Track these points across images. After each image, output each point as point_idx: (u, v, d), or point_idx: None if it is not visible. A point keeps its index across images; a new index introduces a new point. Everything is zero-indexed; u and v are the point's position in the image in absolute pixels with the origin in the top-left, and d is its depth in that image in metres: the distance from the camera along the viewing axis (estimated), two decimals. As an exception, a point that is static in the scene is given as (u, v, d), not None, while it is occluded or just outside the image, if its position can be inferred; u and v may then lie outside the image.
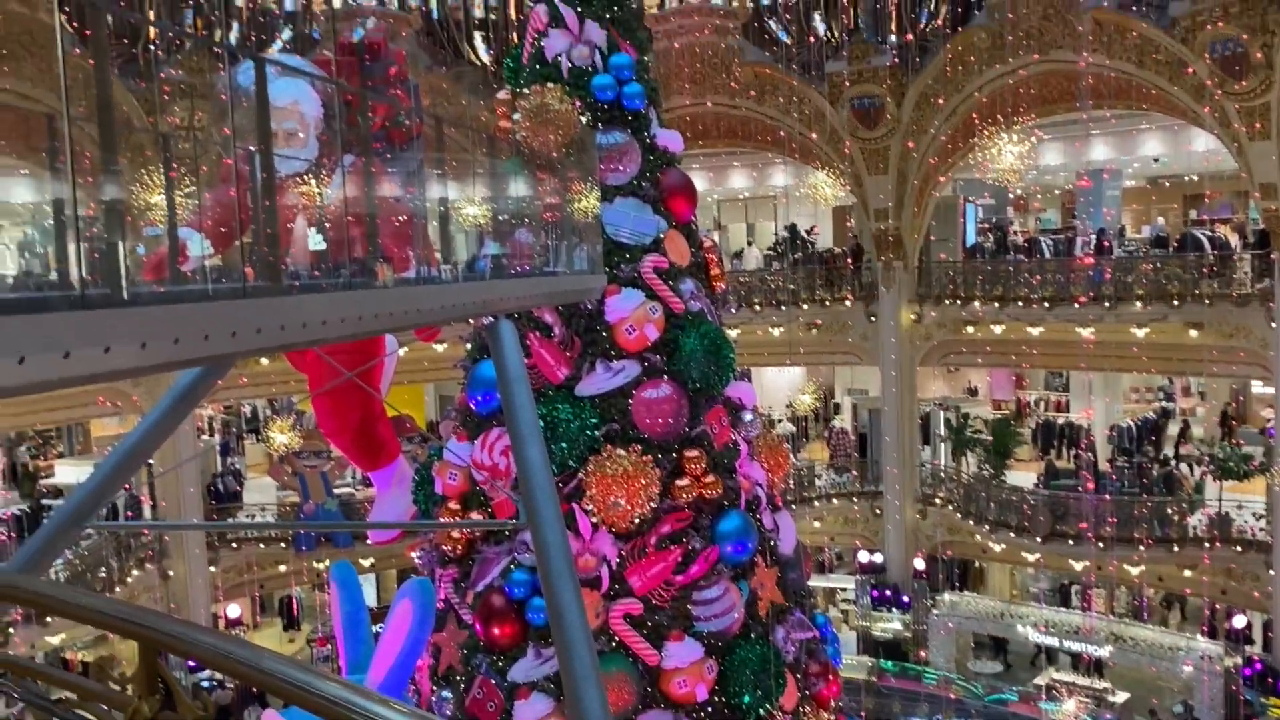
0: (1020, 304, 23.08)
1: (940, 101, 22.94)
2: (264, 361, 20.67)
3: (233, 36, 24.15)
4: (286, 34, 25.12)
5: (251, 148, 4.22)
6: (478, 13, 27.17)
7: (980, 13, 22.57)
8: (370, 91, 6.47)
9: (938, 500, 25.50)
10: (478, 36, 27.06)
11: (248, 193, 4.09)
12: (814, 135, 24.03)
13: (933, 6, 25.09)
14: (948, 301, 24.65)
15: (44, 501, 21.95)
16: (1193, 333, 21.28)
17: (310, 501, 21.48)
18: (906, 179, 24.09)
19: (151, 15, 22.06)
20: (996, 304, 23.53)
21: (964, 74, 22.54)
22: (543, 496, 5.53)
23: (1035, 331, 23.26)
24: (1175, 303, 21.08)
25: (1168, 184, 30.06)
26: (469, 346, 10.88)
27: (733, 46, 24.29)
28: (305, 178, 5.50)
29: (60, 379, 2.33)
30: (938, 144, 23.62)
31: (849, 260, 26.09)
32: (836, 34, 25.97)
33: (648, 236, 10.19)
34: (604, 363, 9.79)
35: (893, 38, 25.07)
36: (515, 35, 25.51)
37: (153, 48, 19.07)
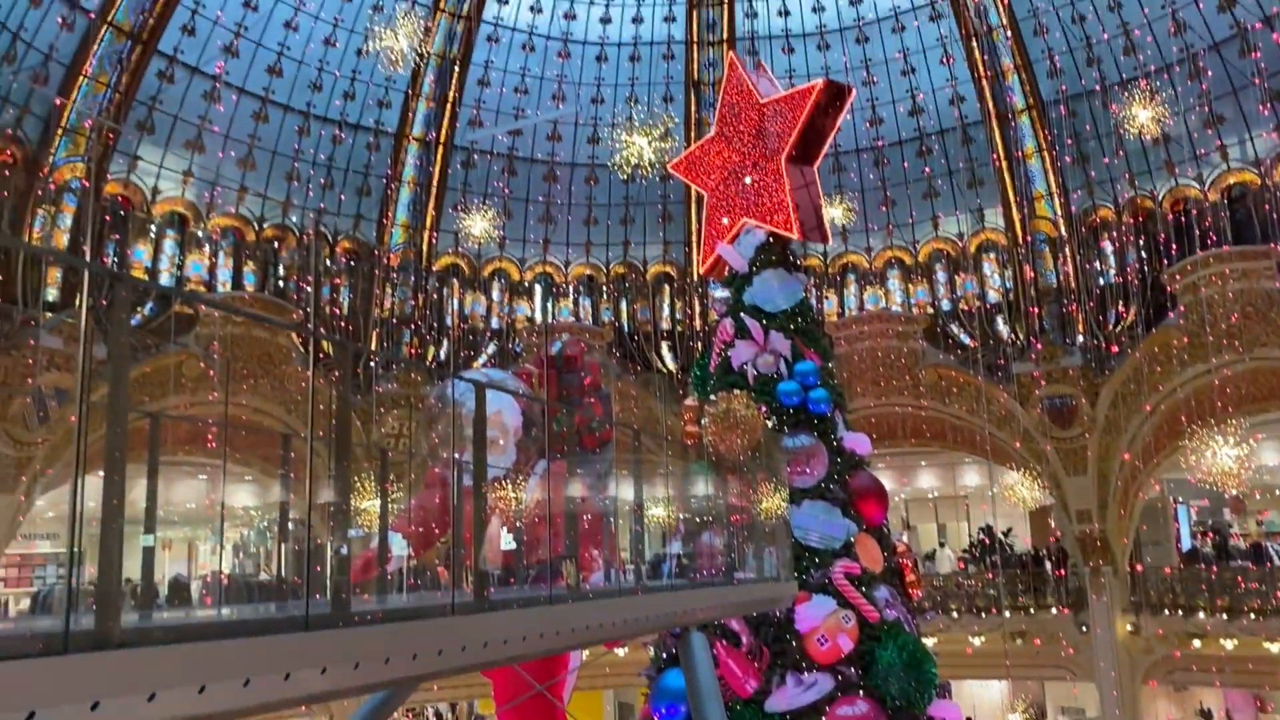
0: (1253, 616, 20.84)
1: (1146, 408, 22.10)
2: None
3: (443, 353, 26.29)
4: (491, 348, 27.20)
5: (459, 456, 4.41)
6: (664, 325, 28.75)
7: (1174, 314, 22.11)
8: (566, 402, 6.79)
9: (1179, 844, 22.20)
10: (664, 346, 28.47)
11: (451, 499, 4.22)
12: (1018, 445, 23.41)
13: (1120, 307, 24.83)
14: (1167, 611, 22.54)
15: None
16: None
17: (485, 815, 20.66)
18: (1109, 479, 22.91)
19: (374, 339, 24.33)
20: (1224, 615, 21.32)
21: (1162, 373, 21.80)
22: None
23: (1275, 648, 20.79)
24: None
25: None
26: (652, 653, 10.59)
27: (915, 350, 24.52)
28: (502, 482, 5.71)
29: (280, 700, 2.33)
30: (1140, 443, 22.54)
31: (1054, 565, 24.51)
32: (1021, 336, 25.91)
33: (838, 540, 9.96)
34: (794, 675, 9.30)
35: (1080, 337, 24.77)
36: (700, 344, 26.67)
37: (372, 364, 20.88)
